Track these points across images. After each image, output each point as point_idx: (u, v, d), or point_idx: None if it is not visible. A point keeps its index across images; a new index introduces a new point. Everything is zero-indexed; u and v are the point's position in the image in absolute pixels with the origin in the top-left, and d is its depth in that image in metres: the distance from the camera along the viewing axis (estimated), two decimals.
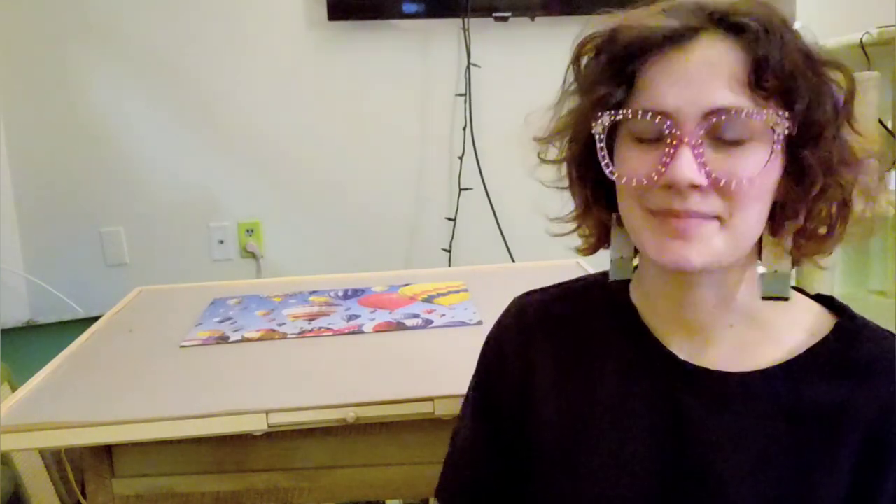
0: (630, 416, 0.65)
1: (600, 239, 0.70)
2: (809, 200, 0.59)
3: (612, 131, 0.62)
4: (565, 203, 0.70)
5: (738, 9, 0.57)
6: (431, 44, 2.17)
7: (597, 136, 0.61)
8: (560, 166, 0.69)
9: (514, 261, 2.18)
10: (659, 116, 0.57)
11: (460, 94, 2.17)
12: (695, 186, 0.56)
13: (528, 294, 0.77)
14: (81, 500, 1.54)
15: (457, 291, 1.36)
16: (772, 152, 0.57)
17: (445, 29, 2.15)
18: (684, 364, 0.65)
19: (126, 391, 1.02)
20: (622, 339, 0.69)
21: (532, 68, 2.12)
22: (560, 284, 0.77)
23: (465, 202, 2.20)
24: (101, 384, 1.05)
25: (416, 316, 1.24)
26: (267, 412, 0.93)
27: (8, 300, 2.09)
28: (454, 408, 0.92)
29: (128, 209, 2.20)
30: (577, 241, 0.71)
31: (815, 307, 0.66)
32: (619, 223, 0.66)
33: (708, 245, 0.58)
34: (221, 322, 1.26)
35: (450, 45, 2.16)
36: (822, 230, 0.61)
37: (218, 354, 1.14)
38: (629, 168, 0.60)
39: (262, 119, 2.18)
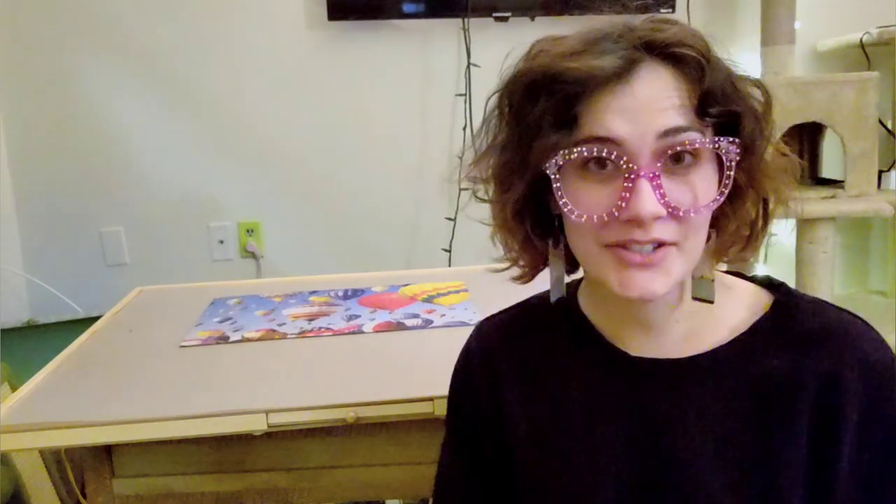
0: (598, 422, 0.67)
1: (538, 267, 0.71)
2: (737, 212, 0.63)
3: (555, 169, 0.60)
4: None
5: (674, 39, 0.58)
6: (431, 44, 2.17)
7: (552, 178, 0.59)
8: (493, 206, 0.70)
9: None
10: (615, 151, 0.57)
11: (460, 94, 2.17)
12: (657, 217, 0.57)
13: (488, 318, 0.79)
14: (81, 500, 1.54)
15: (457, 291, 1.36)
16: (726, 178, 0.59)
17: (445, 29, 2.15)
18: (639, 360, 0.66)
19: (126, 391, 1.02)
20: (579, 347, 0.70)
21: None
22: (518, 304, 0.78)
23: (465, 202, 2.20)
24: (101, 384, 1.05)
25: (416, 316, 1.24)
26: (267, 412, 0.93)
27: (8, 300, 2.09)
28: None
29: (128, 209, 2.20)
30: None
31: (753, 288, 0.68)
32: (555, 245, 0.67)
33: (668, 273, 0.59)
34: (221, 322, 1.26)
35: (450, 45, 2.16)
36: (745, 233, 0.64)
37: (218, 354, 1.14)
38: (584, 205, 0.59)
39: (263, 119, 2.18)
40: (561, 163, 0.59)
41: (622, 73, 0.57)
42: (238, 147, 2.20)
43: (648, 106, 0.57)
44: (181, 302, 1.39)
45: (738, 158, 0.59)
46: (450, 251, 2.22)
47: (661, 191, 0.56)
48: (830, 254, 1.87)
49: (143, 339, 1.21)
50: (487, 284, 1.39)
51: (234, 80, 2.15)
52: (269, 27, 2.14)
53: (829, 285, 1.90)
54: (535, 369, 0.72)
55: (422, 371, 1.03)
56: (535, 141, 0.60)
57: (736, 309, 0.67)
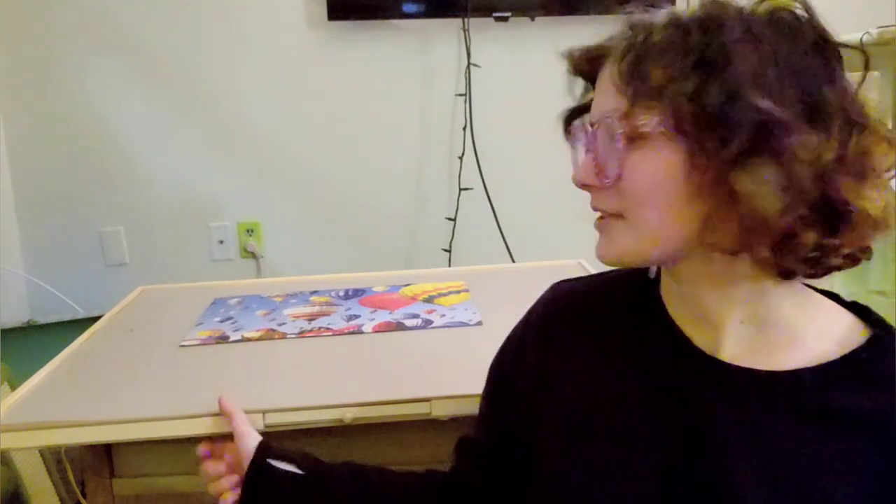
0: (643, 405, 0.65)
1: None
2: (750, 223, 0.56)
3: None
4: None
5: (643, 17, 0.61)
6: (431, 44, 2.17)
7: (569, 144, 0.69)
8: None
9: (514, 261, 2.18)
10: (585, 126, 0.64)
11: (460, 94, 2.17)
12: (591, 186, 0.63)
13: (560, 282, 0.79)
14: (81, 500, 1.54)
15: (457, 292, 1.36)
16: (625, 150, 0.60)
17: (445, 29, 2.15)
18: (704, 355, 0.64)
19: (125, 390, 1.02)
20: (643, 328, 0.69)
21: (532, 68, 2.13)
22: (595, 275, 0.79)
23: (465, 202, 2.20)
24: (101, 383, 1.05)
25: (416, 316, 1.24)
26: (263, 412, 0.93)
27: (8, 300, 2.09)
28: (452, 409, 0.92)
29: (128, 209, 2.21)
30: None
31: (847, 317, 0.64)
32: None
33: (614, 241, 0.63)
34: (222, 322, 1.26)
35: (450, 45, 2.16)
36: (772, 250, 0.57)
37: (217, 354, 1.14)
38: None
39: (263, 119, 2.18)
40: (570, 134, 0.69)
41: (602, 57, 0.64)
42: (238, 147, 2.20)
43: (600, 87, 0.64)
44: (183, 301, 1.39)
45: (625, 136, 0.59)
46: (450, 251, 2.22)
47: (595, 162, 0.62)
48: None
49: (143, 339, 1.21)
50: (488, 285, 1.39)
51: (234, 79, 2.15)
52: (269, 27, 2.14)
53: (829, 285, 1.90)
54: (596, 343, 0.71)
55: (420, 372, 1.03)
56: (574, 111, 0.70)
57: (821, 332, 0.62)
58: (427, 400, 0.94)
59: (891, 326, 0.63)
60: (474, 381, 0.84)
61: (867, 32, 2.02)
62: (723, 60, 0.55)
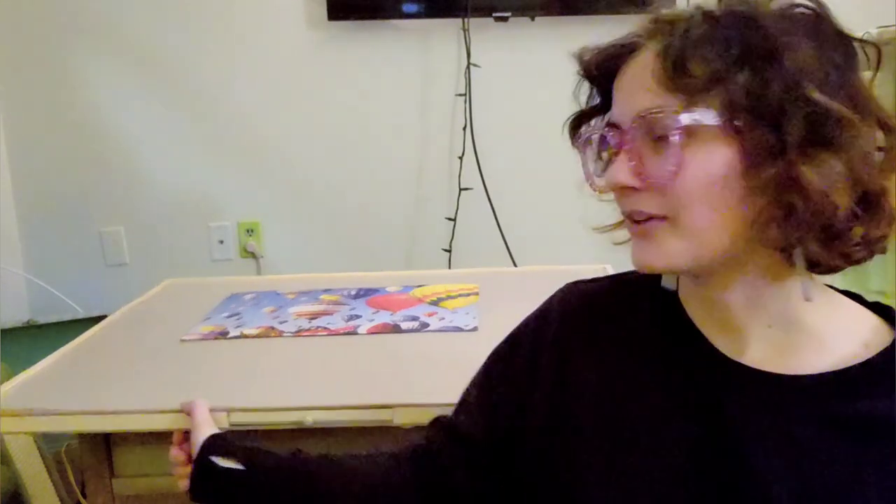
0: (668, 411, 0.64)
1: None
2: (796, 217, 0.56)
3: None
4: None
5: (667, 15, 0.60)
6: (431, 44, 2.17)
7: (577, 150, 0.67)
8: None
9: (514, 261, 2.18)
10: (610, 128, 0.62)
11: (460, 94, 2.17)
12: (630, 188, 0.60)
13: (576, 283, 0.78)
14: (81, 500, 1.54)
15: (468, 294, 1.35)
16: (681, 148, 0.56)
17: (445, 29, 2.15)
18: (728, 360, 0.63)
19: (123, 383, 1.03)
20: (665, 333, 0.68)
21: (532, 68, 2.13)
22: (611, 276, 0.77)
23: (465, 202, 2.20)
24: (101, 374, 1.06)
25: (414, 319, 1.24)
26: (228, 411, 0.94)
27: (8, 300, 2.09)
28: (415, 417, 0.91)
29: (128, 209, 2.21)
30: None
31: (872, 319, 0.63)
32: None
33: (662, 247, 0.60)
34: (229, 317, 1.26)
35: (450, 45, 2.16)
36: (819, 242, 0.57)
37: (214, 350, 1.14)
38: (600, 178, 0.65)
39: (262, 119, 2.18)
40: (585, 137, 0.66)
41: (626, 53, 0.61)
42: (238, 147, 2.20)
43: (631, 85, 0.60)
44: (202, 296, 1.39)
45: (703, 129, 0.56)
46: (450, 251, 2.22)
47: (632, 163, 0.59)
48: None
49: (149, 333, 1.22)
50: (501, 287, 1.38)
51: (234, 79, 2.15)
52: (269, 27, 2.14)
53: (829, 285, 1.90)
54: (614, 347, 0.70)
55: (393, 378, 1.02)
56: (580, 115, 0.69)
57: (846, 334, 0.61)
58: (390, 407, 0.93)
59: None
60: (445, 391, 0.82)
61: (867, 32, 2.02)
62: (774, 53, 0.55)
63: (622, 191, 0.61)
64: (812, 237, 0.56)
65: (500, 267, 1.54)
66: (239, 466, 0.82)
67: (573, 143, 0.68)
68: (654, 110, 0.57)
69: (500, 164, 2.16)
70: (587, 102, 0.68)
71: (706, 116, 0.56)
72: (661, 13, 0.60)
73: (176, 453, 0.89)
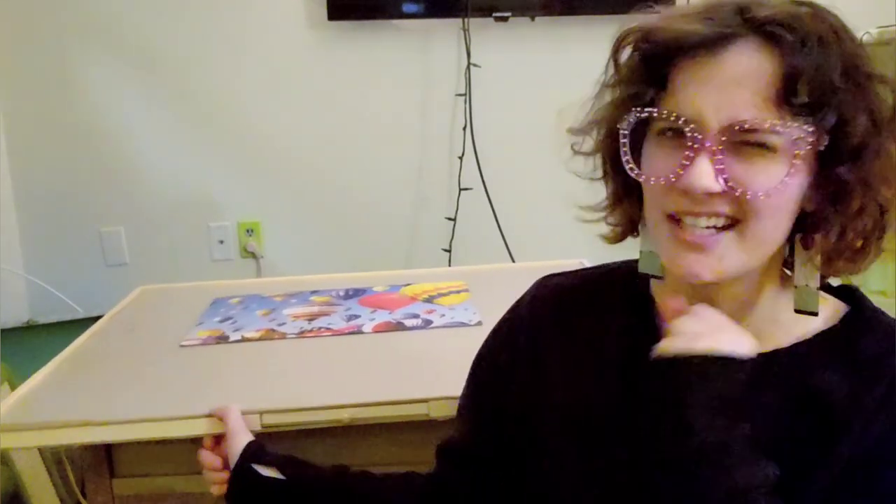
0: (630, 402, 0.65)
1: (626, 231, 0.69)
2: (845, 217, 0.58)
3: (643, 130, 0.61)
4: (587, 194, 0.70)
5: (778, 16, 0.56)
6: (431, 44, 2.17)
7: (621, 133, 0.61)
8: (595, 156, 0.69)
9: (514, 260, 2.18)
10: (683, 120, 0.57)
11: (460, 94, 2.17)
12: (710, 194, 0.56)
13: (549, 277, 0.78)
14: (81, 500, 1.53)
15: (458, 291, 1.36)
16: (791, 167, 0.56)
17: (445, 29, 2.15)
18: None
19: (126, 390, 1.02)
20: (632, 331, 0.68)
21: (532, 68, 2.13)
22: (583, 270, 0.78)
23: (465, 202, 2.20)
24: (101, 383, 1.05)
25: (415, 316, 1.24)
26: (261, 412, 0.93)
27: (8, 300, 2.09)
28: (449, 409, 0.91)
29: (128, 209, 2.21)
30: (600, 229, 0.71)
31: (830, 299, 0.65)
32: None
33: (721, 260, 0.58)
34: (222, 321, 1.26)
35: (450, 45, 2.16)
36: (858, 243, 0.60)
37: (217, 354, 1.13)
38: (651, 167, 0.60)
39: (263, 119, 2.18)
40: (633, 120, 0.60)
41: (710, 45, 0.56)
42: (238, 147, 2.20)
43: (728, 84, 0.56)
44: (183, 301, 1.38)
45: (812, 148, 0.56)
46: (450, 251, 2.22)
47: (720, 167, 0.56)
48: None
49: (143, 339, 1.21)
50: (489, 285, 1.39)
51: (234, 79, 2.16)
52: (269, 27, 2.14)
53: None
54: (582, 342, 0.71)
55: (419, 373, 1.03)
56: (624, 90, 0.62)
57: (810, 320, 0.63)
58: (425, 401, 0.94)
59: (868, 304, 0.65)
60: None
61: (867, 32, 2.02)
62: (860, 70, 0.57)
63: (691, 194, 0.57)
64: (859, 234, 0.59)
65: (486, 265, 1.54)
66: (279, 476, 0.82)
67: (618, 126, 0.61)
68: (759, 123, 0.55)
69: (500, 164, 2.16)
70: (630, 77, 0.62)
71: (806, 133, 0.55)
72: (761, 3, 0.57)
73: (210, 459, 0.89)
